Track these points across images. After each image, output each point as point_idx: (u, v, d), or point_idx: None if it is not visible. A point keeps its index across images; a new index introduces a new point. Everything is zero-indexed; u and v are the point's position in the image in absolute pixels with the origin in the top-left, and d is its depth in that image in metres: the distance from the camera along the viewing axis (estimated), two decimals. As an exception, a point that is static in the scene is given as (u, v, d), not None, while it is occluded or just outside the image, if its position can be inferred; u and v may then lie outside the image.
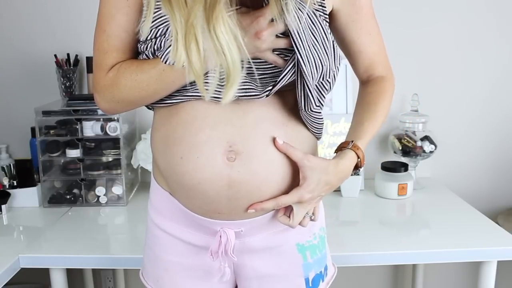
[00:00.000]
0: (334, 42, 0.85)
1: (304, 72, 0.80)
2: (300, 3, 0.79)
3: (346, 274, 1.96)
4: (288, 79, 0.81)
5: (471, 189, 1.97)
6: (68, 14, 1.84)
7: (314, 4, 0.83)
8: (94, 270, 2.00)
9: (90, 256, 1.31)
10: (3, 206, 1.59)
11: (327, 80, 0.86)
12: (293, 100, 0.87)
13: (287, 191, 0.87)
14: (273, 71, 0.83)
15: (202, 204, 0.87)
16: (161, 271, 0.97)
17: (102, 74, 0.88)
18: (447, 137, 1.92)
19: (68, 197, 1.67)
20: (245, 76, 0.82)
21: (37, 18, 1.85)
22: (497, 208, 1.98)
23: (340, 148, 0.92)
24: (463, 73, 1.91)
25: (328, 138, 1.79)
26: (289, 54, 0.81)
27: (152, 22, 0.81)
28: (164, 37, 0.80)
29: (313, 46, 0.80)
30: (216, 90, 0.82)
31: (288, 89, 0.85)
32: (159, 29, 0.80)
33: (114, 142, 1.67)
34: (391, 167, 1.73)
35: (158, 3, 0.80)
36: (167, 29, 0.79)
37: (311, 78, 0.81)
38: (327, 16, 0.86)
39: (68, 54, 1.83)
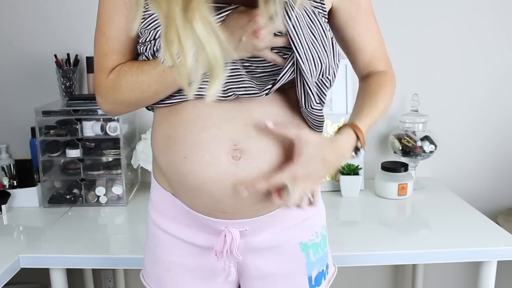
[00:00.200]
0: (333, 39, 0.85)
1: (303, 70, 0.80)
2: (298, 0, 0.79)
3: (346, 274, 1.96)
4: (287, 78, 0.82)
5: (471, 189, 1.97)
6: (68, 14, 1.84)
7: (313, 1, 0.83)
8: (94, 270, 2.00)
9: (90, 256, 1.31)
10: (3, 206, 1.59)
11: (327, 77, 0.86)
12: (296, 97, 0.87)
13: None
14: (272, 69, 0.83)
15: (206, 204, 0.87)
16: (163, 272, 0.97)
17: (103, 77, 0.88)
18: (447, 137, 1.93)
19: (68, 197, 1.67)
20: (244, 75, 0.82)
21: (37, 18, 1.85)
22: (497, 208, 1.98)
23: (338, 130, 0.91)
24: (463, 73, 1.91)
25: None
26: (288, 52, 0.81)
27: (152, 23, 0.81)
28: None
29: (312, 44, 0.80)
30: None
31: (290, 87, 0.85)
32: (158, 30, 0.80)
33: (114, 142, 1.67)
34: (391, 167, 1.73)
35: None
36: None
37: (310, 75, 0.81)
38: (326, 14, 0.86)
39: (68, 54, 1.83)
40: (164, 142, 0.88)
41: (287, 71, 0.81)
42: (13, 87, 1.90)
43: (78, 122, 1.62)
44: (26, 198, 1.66)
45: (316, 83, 0.85)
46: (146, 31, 0.82)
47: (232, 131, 0.83)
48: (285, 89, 0.86)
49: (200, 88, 0.83)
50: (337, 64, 0.87)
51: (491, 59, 1.90)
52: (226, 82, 0.82)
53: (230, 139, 0.83)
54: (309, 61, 0.80)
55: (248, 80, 0.82)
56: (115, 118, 1.61)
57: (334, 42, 0.85)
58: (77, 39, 1.85)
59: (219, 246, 0.89)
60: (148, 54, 0.84)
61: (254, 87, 0.82)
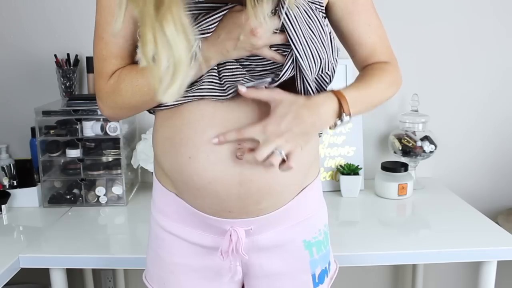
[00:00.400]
0: (331, 34, 0.85)
1: (302, 67, 0.80)
2: None
3: (346, 274, 1.96)
4: (288, 74, 0.82)
5: (471, 189, 1.97)
6: (68, 14, 1.84)
7: None
8: (94, 270, 2.00)
9: (90, 256, 1.31)
10: (3, 206, 1.59)
11: (327, 73, 0.86)
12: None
13: (298, 185, 0.87)
14: (272, 67, 0.83)
15: (212, 204, 0.87)
16: (167, 273, 0.97)
17: (104, 81, 0.88)
18: (447, 137, 1.92)
19: (68, 197, 1.67)
20: (244, 73, 0.82)
21: (37, 18, 1.85)
22: (497, 208, 1.98)
23: None
24: (463, 73, 1.91)
25: (328, 138, 1.79)
26: (287, 49, 0.81)
27: None
28: None
29: (310, 40, 0.80)
30: (217, 89, 0.82)
31: (291, 83, 0.84)
32: None
33: (114, 142, 1.67)
34: (391, 167, 1.73)
35: None
36: None
37: (310, 72, 0.82)
38: (323, 9, 0.86)
39: (68, 54, 1.83)
40: (167, 143, 0.88)
41: (287, 68, 0.81)
42: (13, 87, 1.90)
43: (78, 122, 1.62)
44: (26, 198, 1.65)
45: (316, 79, 0.85)
46: None
47: None
48: (286, 86, 0.86)
49: (201, 88, 0.83)
50: (336, 59, 0.87)
51: (491, 59, 1.90)
52: (225, 81, 0.82)
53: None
54: (308, 58, 0.80)
55: (248, 78, 0.82)
56: (116, 118, 1.61)
57: (332, 37, 0.85)
58: (77, 39, 1.85)
59: (224, 245, 0.89)
60: None
61: (253, 82, 0.82)
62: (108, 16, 0.84)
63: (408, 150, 1.79)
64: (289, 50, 0.80)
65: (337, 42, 0.88)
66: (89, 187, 1.69)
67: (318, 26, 0.82)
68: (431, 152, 1.79)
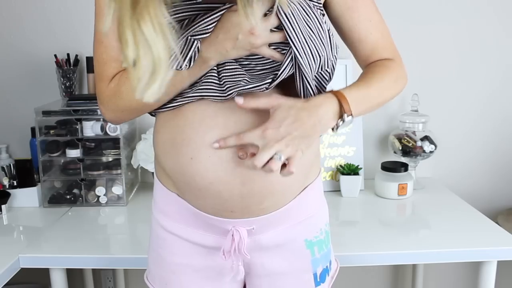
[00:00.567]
0: (329, 32, 0.85)
1: (301, 64, 0.80)
2: None
3: (346, 274, 1.96)
4: (287, 73, 0.81)
5: (471, 189, 1.97)
6: (68, 14, 1.84)
7: None
8: (94, 270, 2.00)
9: (90, 256, 1.31)
10: (3, 206, 1.59)
11: (326, 70, 0.86)
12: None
13: (299, 184, 0.87)
14: (272, 65, 0.83)
15: (214, 204, 0.87)
16: (169, 273, 0.97)
17: (104, 85, 0.88)
18: (447, 137, 1.93)
19: (68, 197, 1.67)
20: (243, 73, 0.82)
21: (37, 18, 1.85)
22: (497, 208, 1.98)
23: None
24: (463, 73, 1.91)
25: (328, 138, 1.79)
26: (286, 48, 0.80)
27: None
28: None
29: (309, 38, 0.80)
30: (216, 89, 0.82)
31: (292, 82, 0.84)
32: None
33: (114, 142, 1.67)
34: (391, 167, 1.73)
35: None
36: None
37: (309, 69, 0.81)
38: (321, 6, 0.86)
39: (68, 54, 1.83)
40: (169, 144, 0.88)
41: (286, 66, 0.81)
42: (13, 87, 1.90)
43: (78, 122, 1.62)
44: (26, 198, 1.65)
45: (316, 76, 0.85)
46: None
47: (237, 130, 0.83)
48: (288, 85, 0.86)
49: (201, 89, 0.83)
50: (335, 56, 0.87)
51: (491, 59, 1.90)
52: (225, 82, 0.82)
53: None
54: (307, 55, 0.80)
55: (247, 78, 0.82)
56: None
57: (331, 35, 0.85)
58: (77, 39, 1.85)
59: (227, 245, 0.89)
60: None
61: (253, 82, 0.82)
62: None
63: (408, 150, 1.79)
64: (288, 48, 0.80)
65: (336, 39, 0.87)
66: (89, 187, 1.69)
67: (316, 24, 0.82)
68: (431, 152, 1.79)
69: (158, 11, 0.71)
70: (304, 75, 0.82)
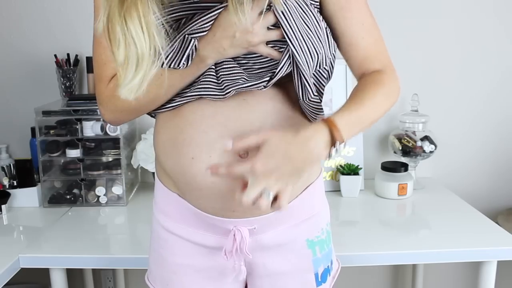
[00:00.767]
0: (327, 29, 0.85)
1: (299, 62, 0.80)
2: None
3: (346, 274, 1.95)
4: (285, 71, 0.81)
5: (471, 189, 1.97)
6: (68, 14, 1.84)
7: None
8: (94, 270, 2.00)
9: (90, 256, 1.31)
10: (3, 206, 1.59)
11: (324, 68, 0.86)
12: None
13: (301, 184, 0.87)
14: (270, 64, 0.83)
15: (215, 204, 0.87)
16: (170, 274, 0.96)
17: (103, 86, 0.89)
18: (447, 137, 1.92)
19: (68, 197, 1.67)
20: (241, 72, 0.82)
21: (37, 18, 1.85)
22: (497, 208, 1.98)
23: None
24: (463, 73, 1.91)
25: (328, 138, 1.78)
26: (283, 46, 0.80)
27: None
28: None
29: (306, 35, 0.80)
30: (215, 88, 0.82)
31: (290, 81, 0.84)
32: None
33: (114, 142, 1.67)
34: (391, 167, 1.73)
35: None
36: None
37: (307, 67, 0.81)
38: (318, 5, 0.85)
39: (68, 54, 1.83)
40: (169, 144, 0.88)
41: (284, 64, 0.81)
42: (13, 87, 1.90)
43: (78, 122, 1.62)
44: (26, 198, 1.65)
45: (314, 74, 0.85)
46: None
47: (238, 128, 0.83)
48: (286, 84, 0.86)
49: (199, 88, 0.83)
50: (333, 54, 0.86)
51: (491, 60, 1.90)
52: (223, 80, 0.82)
53: (237, 137, 0.83)
54: (304, 53, 0.80)
55: (245, 76, 0.82)
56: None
57: (328, 32, 0.85)
58: (77, 39, 1.85)
59: (228, 245, 0.89)
60: None
61: (251, 81, 0.82)
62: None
63: (408, 150, 1.79)
64: (286, 46, 0.80)
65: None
66: (89, 187, 1.69)
67: (313, 21, 0.82)
68: (431, 152, 1.79)
69: (147, 8, 0.72)
70: (302, 73, 0.81)
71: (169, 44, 0.78)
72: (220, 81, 0.82)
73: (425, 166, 1.93)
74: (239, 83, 0.81)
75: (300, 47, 0.79)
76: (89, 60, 1.84)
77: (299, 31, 0.79)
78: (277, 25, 0.79)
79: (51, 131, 1.67)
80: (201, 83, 0.83)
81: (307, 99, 0.85)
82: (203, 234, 0.92)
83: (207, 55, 0.80)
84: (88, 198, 1.68)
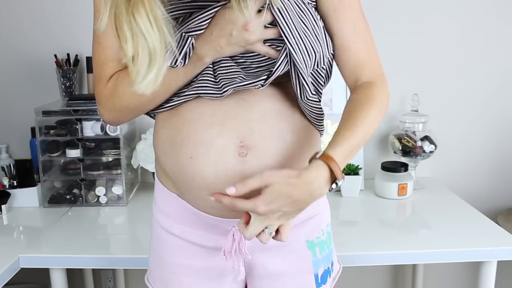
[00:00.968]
0: (324, 28, 0.85)
1: (296, 61, 0.80)
2: None
3: (346, 274, 1.95)
4: (282, 69, 0.81)
5: (471, 189, 1.97)
6: (68, 14, 1.84)
7: None
8: (94, 270, 2.00)
9: (90, 256, 1.31)
10: (3, 206, 1.59)
11: (322, 68, 0.86)
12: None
13: None
14: (267, 63, 0.83)
15: (214, 204, 0.86)
16: (169, 274, 0.96)
17: (103, 85, 0.89)
18: (447, 137, 1.93)
19: (68, 197, 1.67)
20: (239, 70, 0.82)
21: (37, 18, 1.85)
22: (497, 208, 1.98)
23: (310, 160, 0.84)
24: (463, 73, 1.91)
25: (328, 138, 1.78)
26: (281, 44, 0.80)
27: None
28: None
29: (304, 34, 0.80)
30: (212, 87, 0.82)
31: (289, 80, 0.84)
32: None
33: (114, 142, 1.67)
34: (391, 167, 1.73)
35: None
36: None
37: (305, 66, 0.81)
38: (314, 4, 0.85)
39: (68, 54, 1.83)
40: (168, 143, 0.88)
41: (281, 62, 0.81)
42: (13, 87, 1.90)
43: (78, 122, 1.62)
44: (26, 198, 1.65)
45: (312, 73, 0.85)
46: None
47: (237, 128, 0.83)
48: (285, 83, 0.86)
49: (197, 87, 0.83)
50: (331, 54, 0.86)
51: (491, 60, 1.90)
52: (220, 79, 0.82)
53: (236, 136, 0.83)
54: (302, 51, 0.80)
55: (242, 75, 0.82)
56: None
57: (325, 31, 0.85)
58: (77, 39, 1.85)
59: (227, 245, 0.89)
60: None
61: (248, 79, 0.82)
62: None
63: (408, 150, 1.79)
64: (283, 45, 0.80)
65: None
66: (89, 187, 1.69)
67: (310, 19, 0.82)
68: (431, 152, 1.79)
69: (153, 4, 0.72)
70: (300, 72, 0.81)
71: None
72: (217, 80, 0.82)
73: (425, 166, 1.93)
74: (236, 82, 0.81)
75: (297, 46, 0.79)
76: (89, 60, 1.84)
77: (296, 29, 0.79)
78: (274, 24, 0.79)
79: (51, 131, 1.67)
80: (199, 82, 0.83)
81: (305, 98, 0.85)
82: (202, 234, 0.92)
83: (205, 54, 0.80)
84: (88, 198, 1.68)
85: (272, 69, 0.81)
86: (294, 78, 0.83)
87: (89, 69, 1.83)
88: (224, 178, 0.83)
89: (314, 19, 0.82)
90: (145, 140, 1.71)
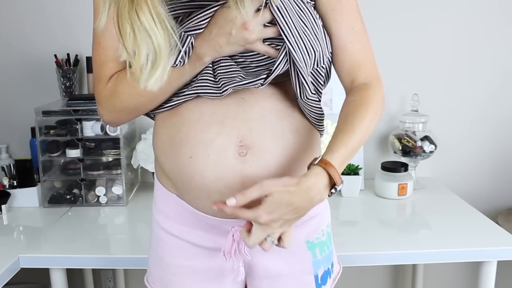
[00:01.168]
0: (323, 27, 0.85)
1: (296, 59, 0.80)
2: None
3: (346, 274, 1.95)
4: (282, 68, 0.81)
5: (471, 189, 1.97)
6: (68, 14, 1.84)
7: None
8: (94, 270, 2.00)
9: (90, 256, 1.31)
10: (3, 206, 1.59)
11: (322, 67, 0.85)
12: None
13: None
14: (267, 62, 0.83)
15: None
16: (169, 275, 0.96)
17: (102, 86, 0.89)
18: (447, 137, 1.93)
19: (68, 197, 1.67)
20: (238, 70, 0.82)
21: (37, 18, 1.85)
22: (497, 208, 1.98)
23: (309, 166, 0.83)
24: (463, 73, 1.91)
25: (328, 138, 1.78)
26: (280, 43, 0.80)
27: None
28: None
29: (303, 32, 0.80)
30: (212, 86, 0.82)
31: (288, 80, 0.84)
32: None
33: (114, 142, 1.67)
34: (391, 167, 1.73)
35: None
36: None
37: (304, 65, 0.81)
38: (313, 3, 0.85)
39: (68, 54, 1.83)
40: (167, 143, 0.88)
41: (280, 61, 0.81)
42: (13, 87, 1.90)
43: (78, 122, 1.62)
44: (26, 198, 1.65)
45: (312, 73, 0.85)
46: None
47: (236, 127, 0.83)
48: (285, 82, 0.86)
49: (196, 86, 0.83)
50: (330, 53, 0.86)
51: (491, 59, 1.90)
52: (220, 78, 0.82)
53: (235, 136, 0.83)
54: (301, 50, 0.80)
55: (242, 74, 0.82)
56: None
57: (325, 30, 0.85)
58: (77, 39, 1.85)
59: (227, 246, 0.89)
60: None
61: (248, 79, 0.82)
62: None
63: (408, 150, 1.79)
64: (282, 44, 0.80)
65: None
66: (89, 187, 1.69)
67: (310, 18, 0.82)
68: (431, 152, 1.79)
69: (156, 1, 0.73)
70: (299, 71, 0.81)
71: None
72: (217, 79, 0.82)
73: (425, 166, 1.93)
74: (236, 81, 0.81)
75: (297, 44, 0.79)
76: (89, 60, 1.84)
77: (296, 28, 0.79)
78: (273, 23, 0.79)
79: (51, 131, 1.67)
80: (199, 81, 0.83)
81: (305, 97, 0.85)
82: (202, 235, 0.92)
83: (204, 53, 0.80)
84: (88, 198, 1.68)
85: (271, 68, 0.81)
86: (293, 77, 0.83)
87: (89, 69, 1.83)
88: (224, 178, 0.83)
89: (314, 18, 0.82)
90: (145, 140, 1.71)
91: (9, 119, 1.92)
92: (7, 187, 1.65)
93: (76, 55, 1.84)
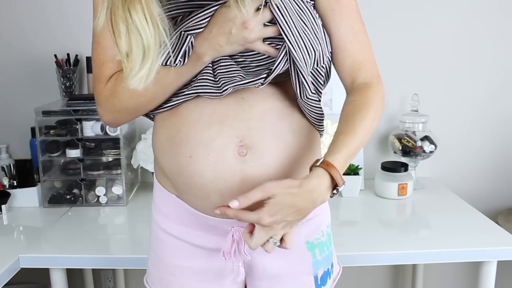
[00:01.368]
0: (323, 27, 0.84)
1: (296, 59, 0.80)
2: None
3: (346, 274, 1.95)
4: (282, 67, 0.81)
5: (471, 189, 1.97)
6: (68, 14, 1.84)
7: None
8: (94, 270, 2.00)
9: (90, 256, 1.31)
10: (3, 206, 1.59)
11: (322, 66, 0.85)
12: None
13: None
14: (267, 61, 0.83)
15: (214, 204, 0.86)
16: (168, 275, 0.96)
17: (102, 86, 0.89)
18: (447, 137, 1.93)
19: (68, 197, 1.67)
20: (238, 69, 0.82)
21: (37, 18, 1.85)
22: (497, 208, 1.98)
23: (310, 167, 0.83)
24: (463, 73, 1.91)
25: (329, 138, 1.78)
26: (280, 43, 0.80)
27: None
28: None
29: (303, 32, 0.80)
30: (212, 86, 0.82)
31: (288, 80, 0.84)
32: None
33: (114, 142, 1.67)
34: (391, 167, 1.73)
35: None
36: None
37: (304, 64, 0.81)
38: (313, 3, 0.85)
39: (68, 54, 1.83)
40: (167, 143, 0.88)
41: (280, 61, 0.80)
42: (13, 87, 1.90)
43: (78, 122, 1.62)
44: (26, 198, 1.65)
45: (312, 72, 0.85)
46: None
47: (236, 127, 0.83)
48: (285, 82, 0.86)
49: (196, 86, 0.83)
50: (330, 52, 0.86)
51: (491, 60, 1.90)
52: (220, 78, 0.82)
53: (235, 135, 0.83)
54: (301, 49, 0.80)
55: (242, 74, 0.82)
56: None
57: (324, 30, 0.85)
58: (77, 39, 1.85)
59: (227, 246, 0.88)
60: None
61: (248, 78, 0.82)
62: (105, 22, 0.84)
63: (408, 150, 1.79)
64: (282, 43, 0.80)
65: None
66: (89, 187, 1.69)
67: (310, 18, 0.82)
68: (431, 152, 1.79)
69: (149, 1, 0.73)
70: (299, 70, 0.81)
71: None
72: (217, 79, 0.82)
73: (425, 166, 1.93)
74: (236, 81, 0.81)
75: (297, 43, 0.79)
76: (89, 60, 1.84)
77: (296, 27, 0.79)
78: (273, 22, 0.79)
79: (51, 131, 1.67)
80: (198, 81, 0.83)
81: (305, 97, 0.85)
82: (202, 235, 0.92)
83: (204, 52, 0.80)
84: (88, 198, 1.68)
85: (271, 67, 0.81)
86: (293, 76, 0.83)
87: (89, 69, 1.83)
88: (223, 178, 0.83)
89: (313, 18, 0.82)
90: (145, 140, 1.71)
91: (9, 119, 1.92)
92: (7, 187, 1.65)
93: (76, 55, 1.84)
